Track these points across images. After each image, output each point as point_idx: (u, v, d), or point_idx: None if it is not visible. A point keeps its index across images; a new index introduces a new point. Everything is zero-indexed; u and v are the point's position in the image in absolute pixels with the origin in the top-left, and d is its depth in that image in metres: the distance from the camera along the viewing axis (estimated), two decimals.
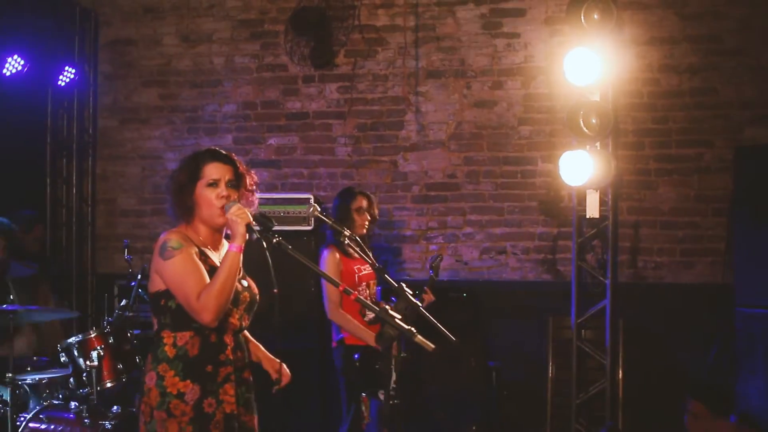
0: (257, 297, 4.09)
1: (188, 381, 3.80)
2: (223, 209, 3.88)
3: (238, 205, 3.87)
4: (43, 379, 6.04)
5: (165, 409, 3.77)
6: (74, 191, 8.73)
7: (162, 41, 8.75)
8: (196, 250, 3.87)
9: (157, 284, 3.88)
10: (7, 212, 7.11)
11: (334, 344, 6.23)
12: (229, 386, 3.89)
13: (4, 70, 7.38)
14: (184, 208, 3.94)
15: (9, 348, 5.76)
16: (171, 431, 3.77)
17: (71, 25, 8.48)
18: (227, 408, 3.87)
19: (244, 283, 4.02)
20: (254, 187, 4.10)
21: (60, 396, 6.02)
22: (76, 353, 5.88)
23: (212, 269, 3.86)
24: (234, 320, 3.94)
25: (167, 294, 3.84)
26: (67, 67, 8.20)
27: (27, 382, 5.98)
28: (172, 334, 3.85)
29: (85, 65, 8.61)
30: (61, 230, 8.60)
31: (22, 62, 7.44)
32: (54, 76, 8.15)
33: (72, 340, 5.94)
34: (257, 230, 3.83)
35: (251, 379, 4.06)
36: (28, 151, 8.31)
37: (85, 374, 5.80)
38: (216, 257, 3.98)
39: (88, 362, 5.76)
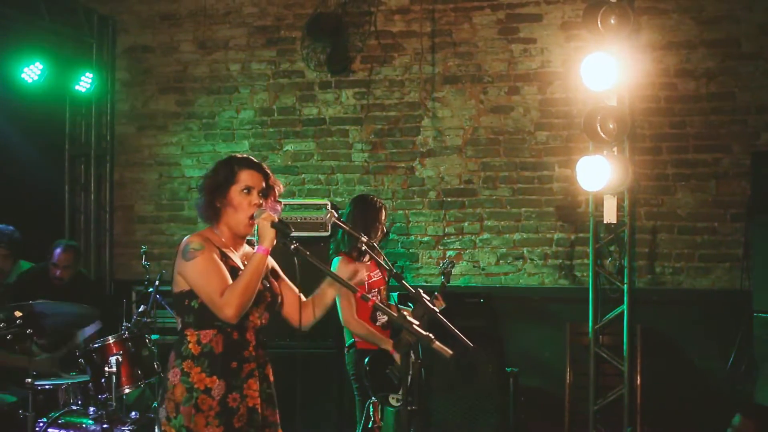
0: (278, 298, 4.18)
1: (214, 377, 3.92)
2: (252, 217, 4.00)
3: (268, 212, 3.98)
4: (62, 384, 6.07)
5: (193, 404, 3.89)
6: (92, 198, 8.79)
7: (179, 48, 8.79)
8: (217, 251, 3.98)
9: (180, 285, 3.98)
10: (25, 219, 7.16)
11: (346, 349, 6.24)
12: (253, 381, 4.01)
13: (24, 77, 7.44)
14: (214, 209, 4.05)
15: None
16: (199, 425, 3.88)
17: (89, 32, 8.55)
18: (250, 402, 3.99)
19: (266, 283, 4.11)
20: (279, 197, 4.22)
21: (79, 401, 6.05)
22: (95, 359, 5.90)
23: (233, 269, 3.97)
24: (254, 318, 4.03)
25: (190, 294, 3.94)
26: (84, 74, 8.25)
27: (46, 387, 6.00)
28: (196, 332, 3.96)
29: (103, 72, 8.66)
30: (79, 237, 8.64)
31: (40, 69, 7.50)
32: (72, 82, 8.22)
33: (91, 345, 5.97)
34: (287, 238, 3.91)
35: (272, 376, 4.16)
36: (47, 157, 8.36)
37: (103, 380, 5.82)
38: (237, 258, 4.08)
39: (106, 368, 5.78)
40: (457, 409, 7.27)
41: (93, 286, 7.58)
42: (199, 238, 3.98)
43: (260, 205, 4.02)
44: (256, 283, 3.90)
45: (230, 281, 3.89)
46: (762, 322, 6.84)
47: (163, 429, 3.93)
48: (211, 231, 4.08)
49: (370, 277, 6.20)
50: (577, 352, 7.74)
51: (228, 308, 3.82)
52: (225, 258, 3.99)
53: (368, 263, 6.11)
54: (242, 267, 4.02)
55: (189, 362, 3.92)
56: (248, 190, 4.02)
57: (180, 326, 4.03)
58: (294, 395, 4.33)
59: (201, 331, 3.95)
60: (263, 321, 4.09)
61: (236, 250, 4.12)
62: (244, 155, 4.17)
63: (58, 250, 7.13)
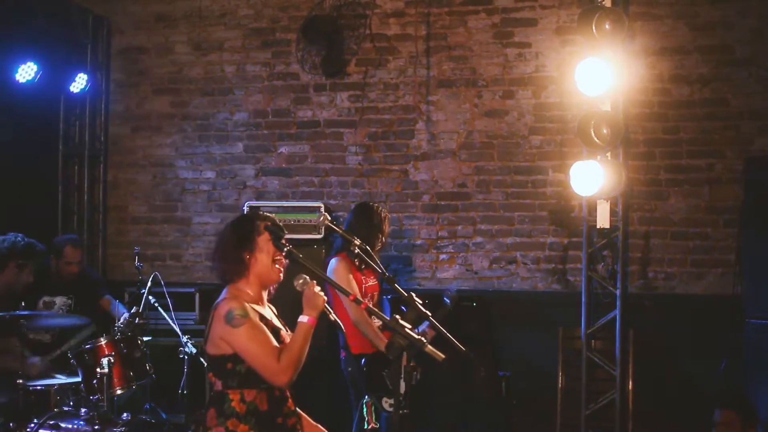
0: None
1: None
2: (281, 271, 4.16)
3: (313, 282, 4.07)
4: (54, 385, 6.05)
5: None
6: (85, 198, 8.76)
7: (174, 49, 8.79)
8: (256, 313, 4.07)
9: (222, 348, 4.04)
10: (18, 220, 7.12)
11: (342, 354, 6.21)
12: None
13: (18, 77, 7.42)
14: (243, 262, 4.14)
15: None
16: None
17: (84, 32, 8.52)
18: None
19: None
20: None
21: (70, 403, 6.04)
22: (86, 360, 5.90)
23: (274, 330, 4.11)
24: None
25: (234, 358, 4.01)
26: (79, 75, 8.22)
27: (38, 388, 5.99)
28: (239, 391, 4.03)
29: (98, 73, 8.65)
30: None
31: (35, 69, 7.48)
32: (66, 83, 8.18)
33: (83, 346, 5.96)
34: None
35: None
36: (41, 158, 8.34)
37: (95, 381, 5.81)
38: (268, 313, 4.20)
39: (98, 369, 5.77)
40: (449, 412, 7.27)
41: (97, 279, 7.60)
42: (237, 303, 4.04)
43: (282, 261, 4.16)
44: (306, 351, 4.03)
45: (276, 344, 4.01)
46: (754, 327, 6.86)
47: None
48: (238, 289, 4.14)
49: (366, 281, 6.19)
50: (569, 356, 7.76)
51: (284, 375, 3.97)
52: (264, 320, 4.09)
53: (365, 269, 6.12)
54: (278, 324, 4.20)
55: (234, 420, 3.99)
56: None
57: (219, 387, 4.07)
58: None
59: (244, 390, 4.02)
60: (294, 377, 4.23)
61: (264, 303, 4.23)
62: (258, 215, 4.32)
63: (68, 248, 7.11)
